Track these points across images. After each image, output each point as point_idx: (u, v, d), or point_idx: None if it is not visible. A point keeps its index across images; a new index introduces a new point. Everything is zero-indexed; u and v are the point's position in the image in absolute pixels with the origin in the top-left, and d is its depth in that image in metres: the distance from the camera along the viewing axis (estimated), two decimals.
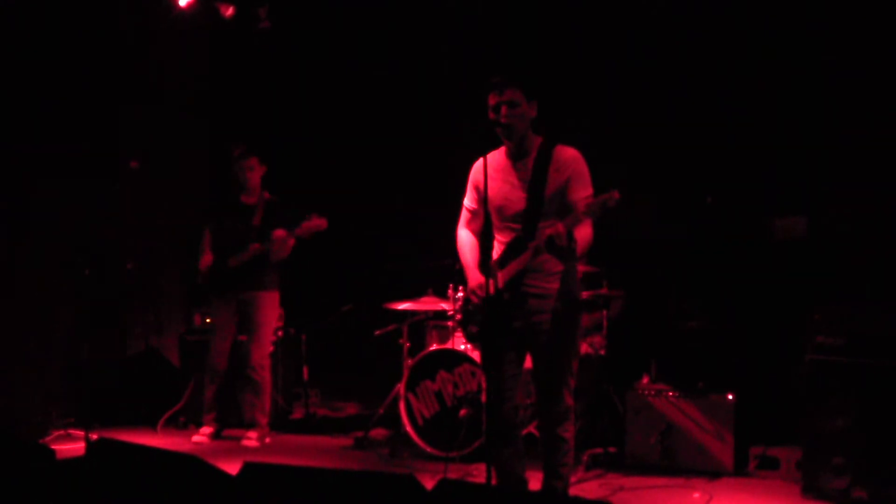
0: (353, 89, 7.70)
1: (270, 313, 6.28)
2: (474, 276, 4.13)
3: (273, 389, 6.63)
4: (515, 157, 4.10)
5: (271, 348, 6.34)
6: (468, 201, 4.26)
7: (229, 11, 6.78)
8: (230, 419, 6.39)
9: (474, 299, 4.07)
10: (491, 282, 3.97)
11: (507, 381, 4.06)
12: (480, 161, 4.05)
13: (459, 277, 5.83)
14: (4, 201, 6.55)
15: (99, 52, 7.00)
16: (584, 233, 3.87)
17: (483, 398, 4.07)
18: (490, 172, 3.96)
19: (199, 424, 6.38)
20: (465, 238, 4.27)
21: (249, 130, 7.90)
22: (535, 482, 4.28)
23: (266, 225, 6.13)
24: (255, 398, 6.20)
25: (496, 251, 4.10)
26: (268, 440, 6.23)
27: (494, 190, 4.04)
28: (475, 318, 4.12)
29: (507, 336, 4.04)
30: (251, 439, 6.10)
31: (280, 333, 6.79)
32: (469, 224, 4.28)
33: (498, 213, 4.07)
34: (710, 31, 6.01)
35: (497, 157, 4.15)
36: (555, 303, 4.00)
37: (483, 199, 3.95)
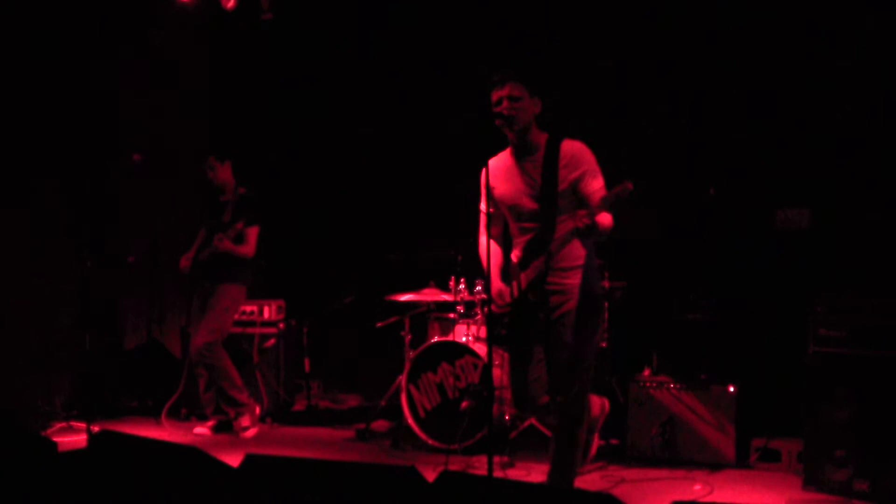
0: (355, 81, 7.68)
1: (222, 303, 6.20)
2: (495, 285, 4.13)
3: (274, 381, 6.66)
4: (522, 155, 4.08)
5: (212, 337, 6.10)
6: (483, 205, 4.24)
7: (231, 2, 6.75)
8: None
9: (495, 309, 4.09)
10: (514, 284, 4.04)
11: (535, 382, 4.10)
12: (488, 166, 4.04)
13: (462, 269, 5.87)
14: (7, 194, 6.55)
15: (101, 46, 6.99)
16: (605, 219, 3.86)
17: (506, 392, 4.09)
18: (498, 175, 4.03)
19: (200, 417, 6.41)
20: (485, 245, 4.23)
21: (249, 122, 7.93)
22: (540, 475, 4.28)
23: (233, 220, 6.14)
24: (220, 384, 6.11)
25: (515, 253, 4.12)
26: (258, 411, 6.26)
27: (505, 192, 4.07)
28: (502, 321, 4.13)
29: (532, 336, 4.07)
30: (247, 428, 6.10)
31: (282, 326, 6.81)
32: (488, 228, 4.25)
33: (513, 214, 4.09)
34: (714, 24, 5.99)
35: (503, 158, 4.15)
36: (575, 299, 4.00)
37: (496, 200, 4.02)
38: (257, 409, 6.29)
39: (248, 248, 6.16)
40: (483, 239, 4.25)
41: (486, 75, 4.06)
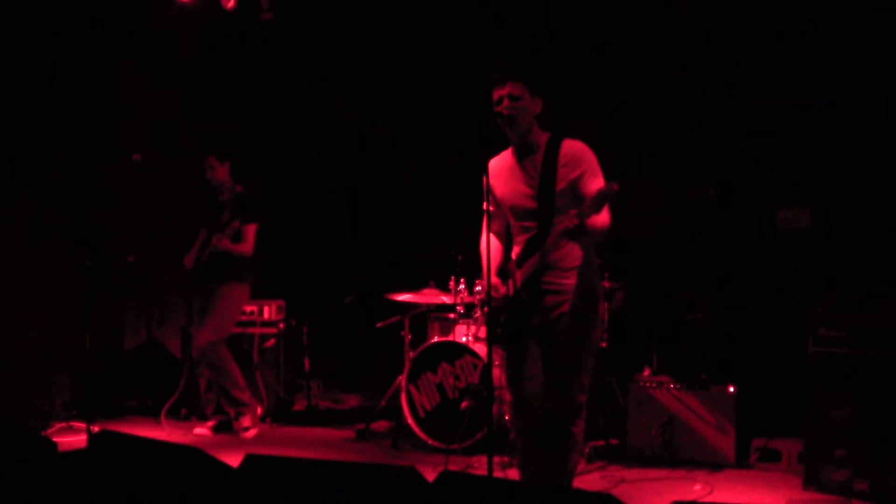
0: (355, 81, 7.68)
1: (225, 302, 6.22)
2: (492, 280, 4.10)
3: (274, 381, 6.67)
4: (522, 154, 4.09)
5: (215, 336, 6.11)
6: (485, 203, 4.25)
7: (231, 2, 6.74)
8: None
9: (495, 295, 4.04)
10: (510, 282, 4.03)
11: (531, 380, 4.07)
12: (490, 165, 4.05)
13: (462, 270, 5.87)
14: (7, 194, 6.55)
15: (101, 45, 6.99)
16: (601, 219, 3.84)
17: (505, 393, 4.07)
18: (499, 174, 4.03)
19: (200, 417, 6.41)
20: (486, 241, 4.23)
21: (250, 123, 7.92)
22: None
23: (231, 219, 6.16)
24: (220, 383, 6.09)
25: (515, 251, 4.12)
26: (260, 411, 6.27)
27: (505, 191, 4.07)
28: (498, 321, 4.12)
29: (528, 335, 4.05)
30: (248, 428, 6.10)
31: (282, 326, 6.81)
32: (488, 226, 4.22)
33: (513, 213, 4.09)
34: (714, 23, 5.99)
35: (504, 158, 4.16)
36: (572, 299, 4.00)
37: (497, 199, 4.03)
38: (258, 410, 6.29)
39: (247, 245, 6.16)
40: (484, 236, 4.25)
41: (487, 74, 4.06)
